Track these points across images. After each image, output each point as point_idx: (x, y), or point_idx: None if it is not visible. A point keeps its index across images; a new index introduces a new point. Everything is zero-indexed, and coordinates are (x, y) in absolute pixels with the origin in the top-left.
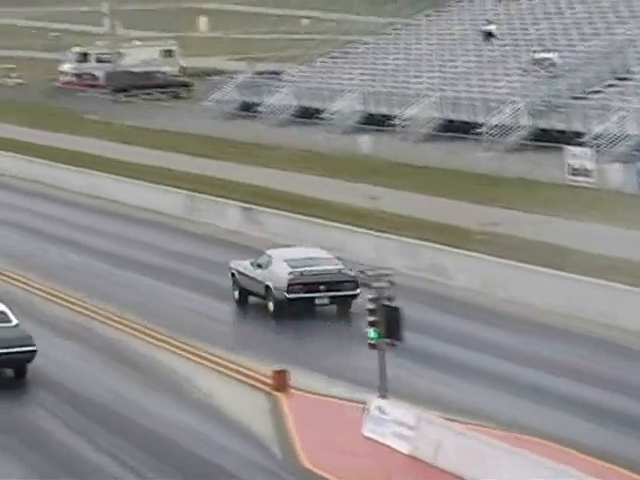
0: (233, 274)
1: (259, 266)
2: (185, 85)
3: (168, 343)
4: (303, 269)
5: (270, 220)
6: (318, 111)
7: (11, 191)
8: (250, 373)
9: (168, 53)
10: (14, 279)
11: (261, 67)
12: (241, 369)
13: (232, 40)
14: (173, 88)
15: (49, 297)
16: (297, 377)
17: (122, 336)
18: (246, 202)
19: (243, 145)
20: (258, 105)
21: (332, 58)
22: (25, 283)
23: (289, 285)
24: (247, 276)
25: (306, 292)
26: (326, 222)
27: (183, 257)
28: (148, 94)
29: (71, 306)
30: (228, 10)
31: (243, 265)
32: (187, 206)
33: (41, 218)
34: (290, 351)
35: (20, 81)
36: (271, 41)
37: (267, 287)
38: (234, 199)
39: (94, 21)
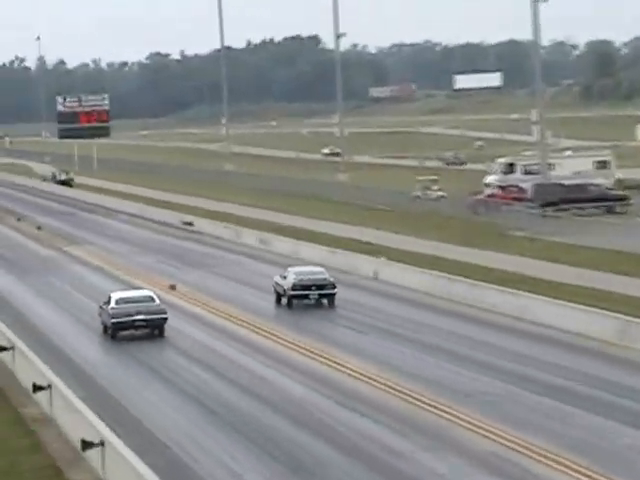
0: (273, 285)
1: (284, 277)
2: (621, 199)
3: None
4: (302, 277)
5: None
6: None
7: (428, 310)
8: None
9: (602, 164)
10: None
11: None
12: None
13: None
14: (608, 202)
15: (469, 427)
16: None
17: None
18: None
19: None
20: None
21: None
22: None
23: (293, 286)
24: (278, 284)
25: (303, 290)
26: None
27: (617, 387)
28: (580, 208)
29: (496, 438)
30: None
31: (278, 278)
32: (620, 331)
33: (454, 339)
34: None
35: (442, 193)
36: None
37: (284, 289)
38: None
39: (522, 130)
